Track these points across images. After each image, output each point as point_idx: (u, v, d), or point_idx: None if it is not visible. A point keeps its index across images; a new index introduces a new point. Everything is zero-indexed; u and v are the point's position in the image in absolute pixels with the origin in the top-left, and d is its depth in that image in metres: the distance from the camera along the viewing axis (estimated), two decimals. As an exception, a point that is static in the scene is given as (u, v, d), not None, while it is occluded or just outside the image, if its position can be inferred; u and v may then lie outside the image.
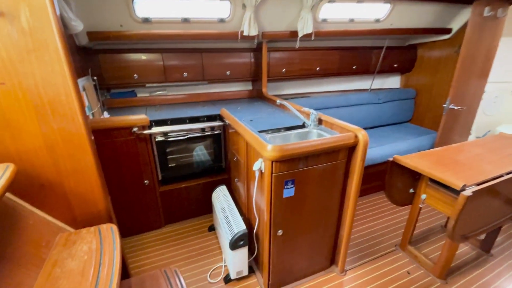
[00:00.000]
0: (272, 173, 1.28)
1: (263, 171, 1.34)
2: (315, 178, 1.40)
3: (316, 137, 1.64)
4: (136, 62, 2.14)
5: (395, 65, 3.13)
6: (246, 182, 1.68)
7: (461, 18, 2.67)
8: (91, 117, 1.78)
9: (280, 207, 1.38)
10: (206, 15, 2.04)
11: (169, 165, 2.06)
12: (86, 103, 1.75)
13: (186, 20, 2.01)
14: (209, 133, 2.07)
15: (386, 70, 3.16)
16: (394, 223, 2.26)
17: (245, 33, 2.09)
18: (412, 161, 1.58)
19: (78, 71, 1.78)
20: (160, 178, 2.06)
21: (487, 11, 2.17)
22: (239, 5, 2.02)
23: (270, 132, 1.65)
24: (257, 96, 2.73)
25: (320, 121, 1.68)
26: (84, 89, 1.75)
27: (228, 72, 2.44)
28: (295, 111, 1.78)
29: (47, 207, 1.09)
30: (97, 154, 1.18)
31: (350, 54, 2.83)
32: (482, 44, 2.32)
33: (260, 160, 1.35)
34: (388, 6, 2.41)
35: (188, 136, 2.00)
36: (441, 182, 1.44)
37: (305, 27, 2.18)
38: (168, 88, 2.43)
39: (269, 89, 2.72)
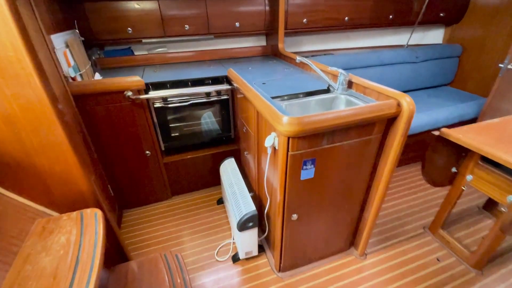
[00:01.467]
0: (288, 151, 1.03)
1: (276, 148, 1.09)
2: (340, 157, 1.14)
3: (345, 104, 1.33)
4: (129, 11, 1.80)
5: (442, 15, 2.57)
6: (257, 156, 1.45)
7: None
8: (79, 78, 1.54)
9: (296, 190, 1.15)
10: None
11: (172, 135, 1.85)
12: (72, 62, 1.49)
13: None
14: (215, 98, 1.80)
15: (429, 21, 2.61)
16: (423, 201, 2.01)
17: (258, -29, 1.67)
18: (465, 137, 1.26)
19: (59, 24, 1.49)
20: (163, 148, 1.87)
21: None
22: None
23: (286, 98, 1.35)
24: (271, 54, 2.35)
25: (350, 84, 1.35)
26: (67, 46, 1.48)
27: (237, 24, 2.05)
28: (318, 71, 1.45)
29: (19, 189, 0.92)
30: (78, 124, 0.97)
31: (387, -1, 2.31)
32: None
33: (273, 134, 1.09)
34: None
35: (191, 102, 1.74)
36: (507, 166, 1.13)
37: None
38: (168, 44, 2.11)
39: (286, 45, 2.33)
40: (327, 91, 1.41)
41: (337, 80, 1.36)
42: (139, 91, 1.57)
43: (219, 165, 1.85)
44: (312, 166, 1.09)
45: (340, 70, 1.30)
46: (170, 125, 1.81)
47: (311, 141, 1.02)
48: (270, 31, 2.20)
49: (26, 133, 0.84)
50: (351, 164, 1.19)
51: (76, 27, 1.71)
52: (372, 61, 2.37)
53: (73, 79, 1.49)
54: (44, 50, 1.17)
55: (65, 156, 0.92)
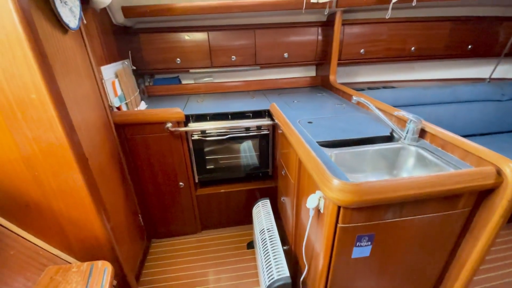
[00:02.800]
0: (337, 222, 0.80)
1: (321, 211, 0.87)
2: (409, 234, 0.86)
3: (415, 159, 1.05)
4: (178, 43, 1.82)
5: (537, 44, 2.09)
6: (295, 207, 1.23)
7: None
8: (124, 108, 1.55)
9: (343, 269, 0.90)
10: (262, -22, 1.56)
11: (207, 167, 1.75)
12: (119, 92, 1.52)
13: (236, -13, 1.56)
14: (255, 133, 1.66)
15: (519, 52, 2.15)
16: (516, 285, 1.51)
17: (312, 0, 1.54)
18: None
19: (112, 54, 1.55)
20: (196, 180, 1.78)
21: None
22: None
23: (335, 143, 1.13)
24: (321, 85, 2.16)
25: (422, 133, 1.07)
26: (116, 76, 1.52)
27: (286, 55, 1.93)
28: (381, 115, 1.19)
29: (35, 230, 0.86)
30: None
31: (465, 27, 1.96)
32: None
33: (318, 193, 0.87)
34: None
35: (230, 135, 1.63)
36: None
37: (403, -13, 1.49)
38: (214, 74, 2.08)
39: (338, 75, 2.12)
40: (390, 138, 1.15)
41: (404, 125, 1.10)
42: (178, 123, 1.52)
43: (253, 205, 1.66)
44: (369, 243, 0.84)
45: (411, 116, 1.04)
46: (206, 157, 1.71)
47: (370, 212, 0.78)
48: (321, 61, 2.03)
49: (46, 175, 0.78)
50: (424, 243, 0.89)
51: (130, 57, 1.78)
52: (444, 97, 1.99)
53: (118, 108, 1.51)
54: (90, 82, 1.18)
55: (83, 202, 0.84)
